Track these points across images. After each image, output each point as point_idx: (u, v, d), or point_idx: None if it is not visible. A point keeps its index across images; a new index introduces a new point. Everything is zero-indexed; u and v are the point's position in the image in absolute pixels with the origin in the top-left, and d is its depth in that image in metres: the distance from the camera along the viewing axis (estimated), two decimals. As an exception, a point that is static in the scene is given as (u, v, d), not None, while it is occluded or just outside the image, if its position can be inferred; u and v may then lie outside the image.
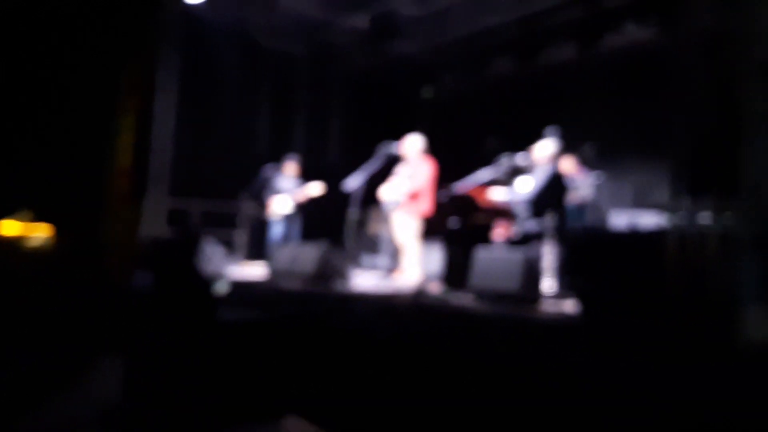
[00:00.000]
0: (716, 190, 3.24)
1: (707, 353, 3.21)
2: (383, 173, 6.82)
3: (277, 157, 8.45)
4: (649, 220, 7.33)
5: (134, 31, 7.08)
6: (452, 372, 3.81)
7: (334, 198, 8.02)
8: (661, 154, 7.65)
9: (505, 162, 5.93)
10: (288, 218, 8.08)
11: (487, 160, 6.47)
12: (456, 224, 5.95)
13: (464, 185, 5.95)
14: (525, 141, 6.28)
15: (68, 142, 7.09)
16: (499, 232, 5.73)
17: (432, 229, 6.57)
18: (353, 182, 6.63)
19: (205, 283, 4.83)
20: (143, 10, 7.11)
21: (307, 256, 5.94)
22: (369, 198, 6.95)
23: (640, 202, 7.85)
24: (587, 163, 7.47)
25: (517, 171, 5.99)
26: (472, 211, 5.85)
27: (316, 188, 7.91)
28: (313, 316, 5.03)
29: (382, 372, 4.04)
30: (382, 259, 8.47)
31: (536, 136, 6.23)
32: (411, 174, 6.58)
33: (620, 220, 7.58)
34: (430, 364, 3.95)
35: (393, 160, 6.79)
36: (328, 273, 5.81)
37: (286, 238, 8.07)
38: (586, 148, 7.53)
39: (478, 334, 4.13)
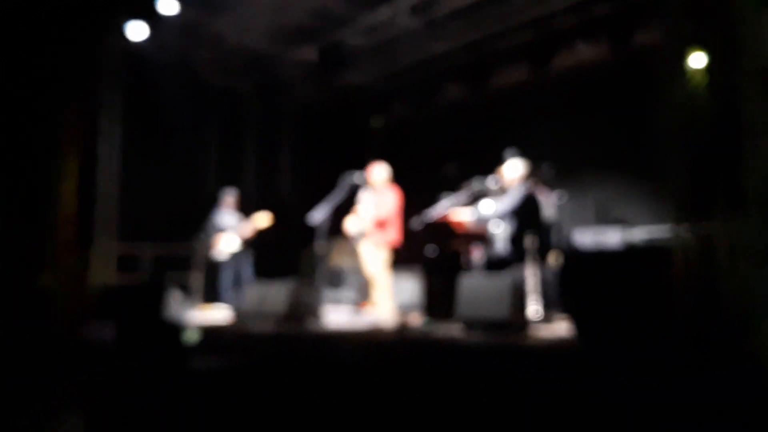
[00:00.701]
0: (721, 202, 3.15)
1: (722, 371, 3.09)
2: (346, 204, 6.62)
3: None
4: (614, 236, 7.33)
5: (73, 73, 6.74)
6: (451, 410, 3.61)
7: (289, 232, 7.75)
8: (620, 169, 7.75)
9: (475, 186, 5.79)
10: (237, 256, 7.77)
11: (445, 187, 6.34)
12: (433, 252, 5.78)
13: (437, 212, 5.79)
14: (482, 165, 6.19)
15: (7, 190, 6.66)
16: (476, 256, 5.57)
17: (406, 259, 6.38)
18: (317, 215, 6.39)
19: (174, 331, 4.52)
20: (82, 52, 6.79)
21: (276, 295, 5.63)
22: (331, 230, 6.72)
23: (602, 219, 7.86)
24: (546, 183, 7.43)
25: (485, 194, 5.87)
26: (449, 238, 5.68)
27: (262, 219, 7.62)
28: (291, 359, 4.75)
29: (372, 415, 3.80)
30: (347, 293, 8.21)
31: (494, 159, 6.15)
32: (377, 202, 6.40)
33: (585, 238, 7.55)
34: (424, 402, 3.74)
35: (356, 191, 6.60)
36: (301, 312, 5.51)
37: (237, 277, 7.75)
38: (544, 168, 7.50)
39: (475, 367, 3.93)
